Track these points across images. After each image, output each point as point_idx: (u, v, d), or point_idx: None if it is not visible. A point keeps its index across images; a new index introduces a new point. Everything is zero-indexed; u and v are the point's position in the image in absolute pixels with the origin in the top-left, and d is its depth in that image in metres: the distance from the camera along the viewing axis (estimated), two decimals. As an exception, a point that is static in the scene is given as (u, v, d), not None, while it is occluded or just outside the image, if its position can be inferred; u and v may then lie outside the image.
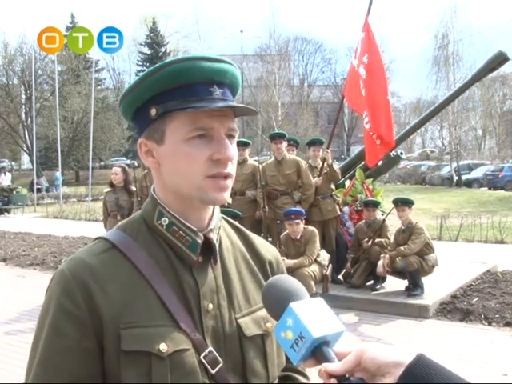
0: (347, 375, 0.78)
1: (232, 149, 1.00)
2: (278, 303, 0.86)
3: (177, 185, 1.01)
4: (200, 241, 1.02)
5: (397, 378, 0.74)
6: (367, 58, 6.59)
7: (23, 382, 0.95)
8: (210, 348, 0.98)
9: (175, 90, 0.97)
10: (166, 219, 1.03)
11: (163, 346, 0.93)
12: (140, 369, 0.92)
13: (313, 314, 0.83)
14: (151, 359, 0.92)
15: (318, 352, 0.81)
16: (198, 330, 0.98)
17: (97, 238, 1.06)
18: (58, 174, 28.80)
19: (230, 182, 1.01)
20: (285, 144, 6.99)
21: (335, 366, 0.79)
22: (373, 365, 0.77)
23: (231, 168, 1.01)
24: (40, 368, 0.93)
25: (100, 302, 0.93)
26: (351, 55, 8.26)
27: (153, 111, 0.99)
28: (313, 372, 0.88)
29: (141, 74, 1.02)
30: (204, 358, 0.96)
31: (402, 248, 6.24)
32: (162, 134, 1.00)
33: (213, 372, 0.96)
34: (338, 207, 7.17)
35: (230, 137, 1.01)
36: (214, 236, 1.05)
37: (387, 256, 6.29)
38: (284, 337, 0.83)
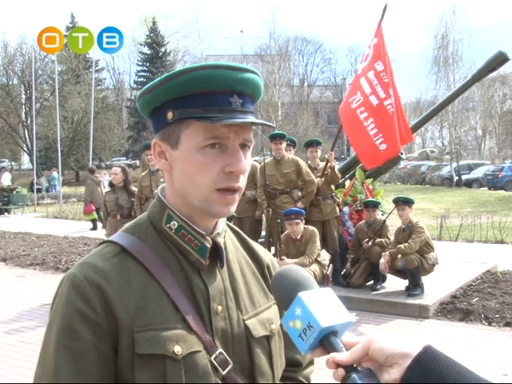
0: (355, 365, 0.78)
1: (245, 161, 0.98)
2: (286, 293, 0.87)
3: (186, 192, 1.00)
4: (209, 245, 1.02)
5: (404, 368, 0.74)
6: (379, 64, 6.57)
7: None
8: (220, 349, 0.98)
9: (194, 96, 0.96)
10: (175, 223, 1.02)
11: (177, 349, 0.93)
12: (155, 371, 0.91)
13: (321, 304, 0.83)
14: (166, 362, 0.92)
15: (326, 342, 0.81)
16: (207, 331, 0.98)
17: (105, 242, 1.04)
18: (55, 173, 28.71)
19: (238, 196, 1.00)
20: (284, 144, 7.00)
21: (343, 356, 0.79)
22: (381, 355, 0.77)
23: (242, 181, 1.00)
24: (55, 372, 0.91)
25: (116, 305, 0.93)
26: (350, 55, 8.33)
27: (169, 115, 0.98)
28: (320, 362, 0.88)
29: (157, 76, 1.01)
30: (215, 359, 0.97)
31: (402, 246, 6.25)
32: (177, 139, 0.98)
33: (223, 373, 0.97)
34: (337, 208, 7.18)
35: (245, 146, 0.99)
36: (220, 240, 1.05)
37: (387, 253, 6.30)
38: (292, 326, 0.83)
